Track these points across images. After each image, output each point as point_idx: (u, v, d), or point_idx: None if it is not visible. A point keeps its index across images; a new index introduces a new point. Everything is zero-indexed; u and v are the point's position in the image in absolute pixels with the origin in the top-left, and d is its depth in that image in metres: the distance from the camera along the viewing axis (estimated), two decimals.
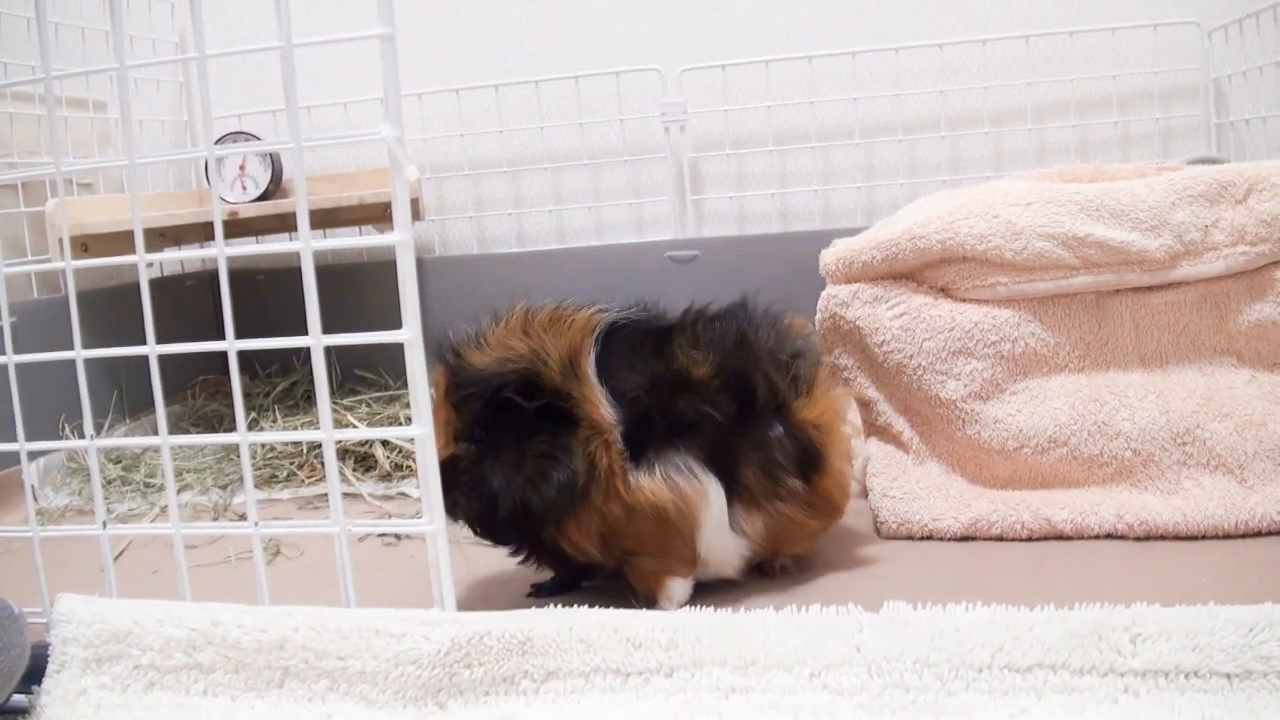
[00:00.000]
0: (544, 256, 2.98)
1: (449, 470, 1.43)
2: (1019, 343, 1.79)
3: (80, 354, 1.38)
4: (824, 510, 1.60)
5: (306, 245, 1.25)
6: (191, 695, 1.30)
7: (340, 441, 2.27)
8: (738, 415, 1.51)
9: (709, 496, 1.48)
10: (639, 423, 1.46)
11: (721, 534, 1.51)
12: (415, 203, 2.93)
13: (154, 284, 2.93)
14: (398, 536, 1.93)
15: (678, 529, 1.47)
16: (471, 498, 1.48)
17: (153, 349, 1.34)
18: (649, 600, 1.50)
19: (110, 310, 2.54)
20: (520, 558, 1.57)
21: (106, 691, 1.31)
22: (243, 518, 2.14)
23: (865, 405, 1.90)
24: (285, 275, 3.05)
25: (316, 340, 1.27)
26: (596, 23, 3.01)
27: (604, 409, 1.45)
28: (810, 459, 1.57)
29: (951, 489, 1.80)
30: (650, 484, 1.44)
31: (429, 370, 1.27)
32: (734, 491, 1.51)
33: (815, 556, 1.69)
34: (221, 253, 1.30)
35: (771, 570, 1.63)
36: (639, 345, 1.51)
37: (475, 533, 1.53)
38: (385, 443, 2.35)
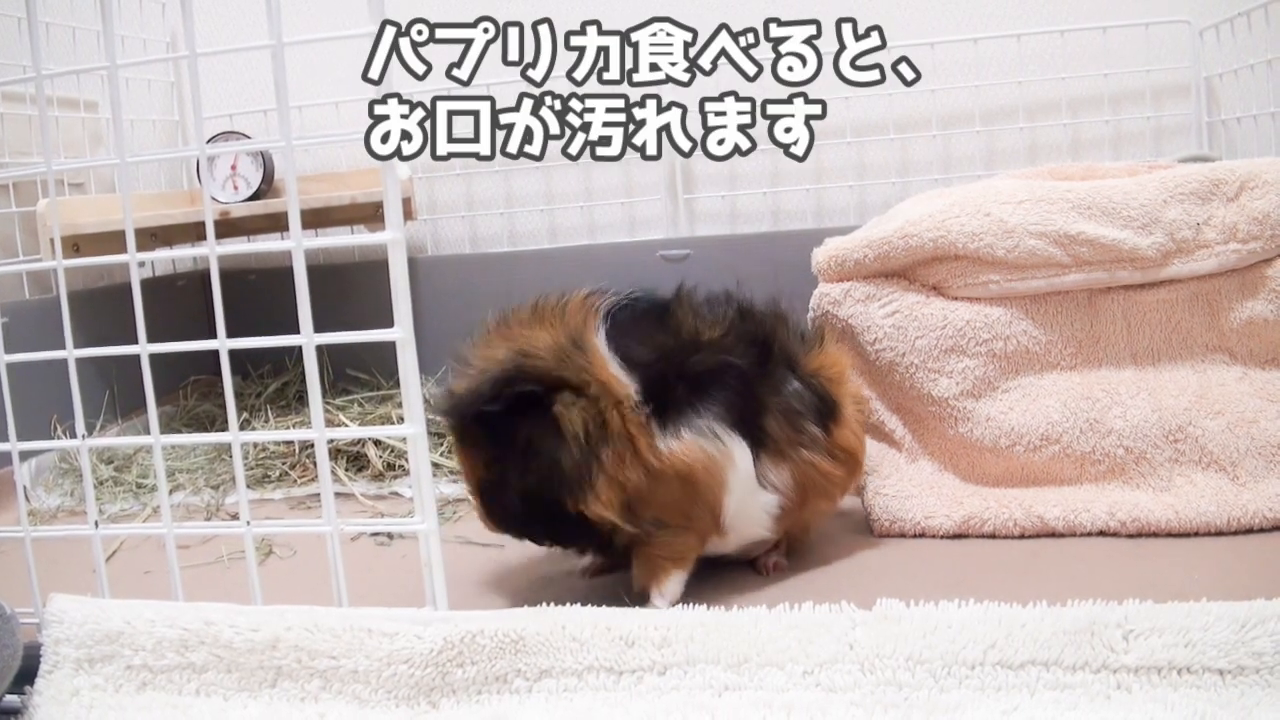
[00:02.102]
0: (536, 256, 2.98)
1: (483, 501, 1.52)
2: (1011, 341, 1.79)
3: (72, 354, 1.38)
4: (844, 461, 1.62)
5: (298, 244, 1.25)
6: (184, 695, 1.30)
7: (332, 441, 2.27)
8: (757, 361, 1.54)
9: (735, 458, 1.49)
10: (657, 390, 1.46)
11: (749, 495, 1.52)
12: (407, 202, 2.92)
13: (145, 284, 2.91)
14: (390, 536, 1.93)
15: (704, 495, 1.48)
16: (493, 511, 1.52)
17: (144, 348, 1.34)
18: (642, 597, 1.50)
19: (102, 310, 2.54)
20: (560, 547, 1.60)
21: (99, 692, 1.31)
22: (235, 517, 2.13)
23: (861, 397, 1.90)
24: (277, 275, 3.04)
25: (308, 339, 1.27)
26: (592, 11, 3.00)
27: (614, 370, 1.45)
28: (826, 407, 1.60)
29: (944, 487, 1.80)
30: (679, 447, 1.45)
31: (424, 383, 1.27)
32: (760, 444, 1.52)
33: (808, 554, 1.69)
34: (213, 252, 1.30)
35: (764, 568, 1.63)
36: (640, 322, 1.53)
37: (516, 536, 1.57)
38: (378, 442, 2.34)
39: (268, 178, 2.69)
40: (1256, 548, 1.60)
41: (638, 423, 1.43)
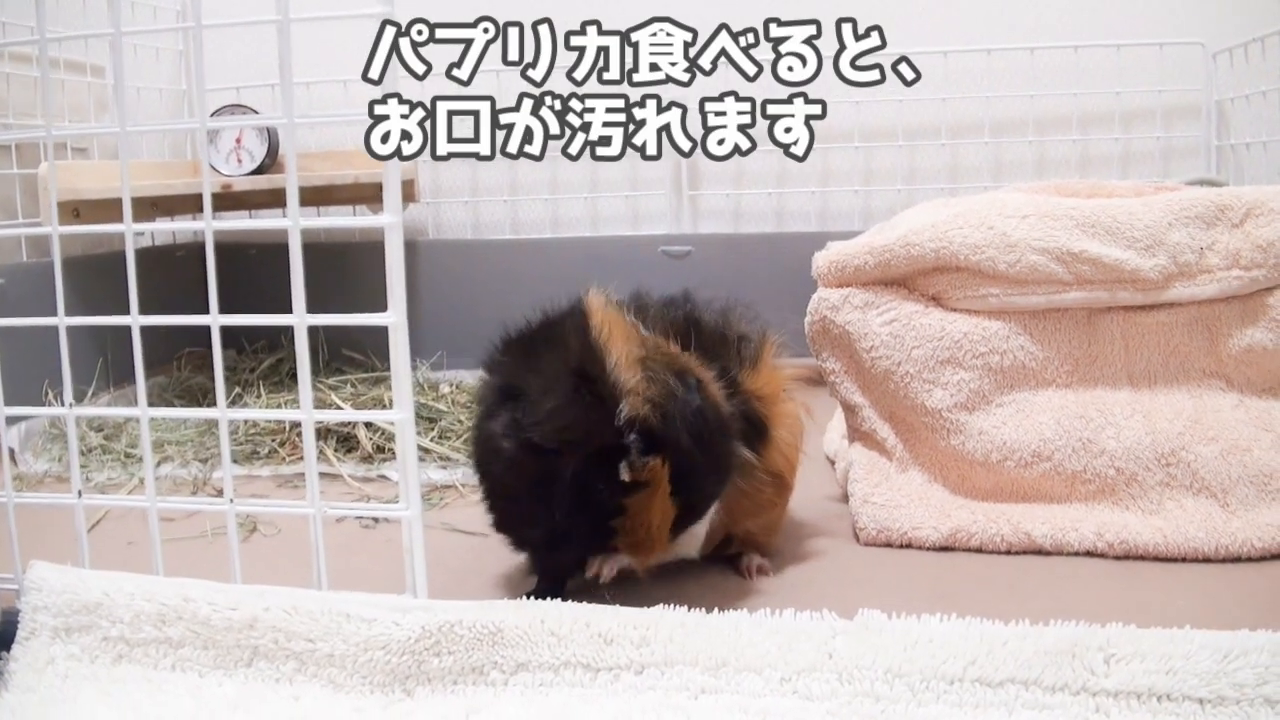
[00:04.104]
0: (537, 245, 2.98)
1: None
2: (1008, 355, 1.78)
3: (63, 321, 1.37)
4: (773, 483, 1.61)
5: (295, 223, 1.24)
6: (160, 670, 1.29)
7: (322, 421, 2.26)
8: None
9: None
10: None
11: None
12: (410, 185, 2.92)
13: (144, 254, 2.92)
14: (375, 519, 1.92)
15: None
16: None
17: (135, 319, 1.33)
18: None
19: (99, 278, 2.52)
20: None
21: (74, 661, 1.31)
22: (221, 493, 2.13)
23: (851, 410, 1.89)
24: (277, 251, 2.99)
25: (300, 319, 1.26)
26: (592, 11, 3.00)
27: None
28: (755, 430, 1.57)
29: (932, 498, 1.79)
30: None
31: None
32: None
33: (790, 559, 1.69)
34: (209, 225, 1.30)
35: (747, 570, 1.62)
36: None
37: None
38: (369, 424, 2.34)
39: (272, 152, 2.69)
40: (1244, 577, 1.60)
41: None
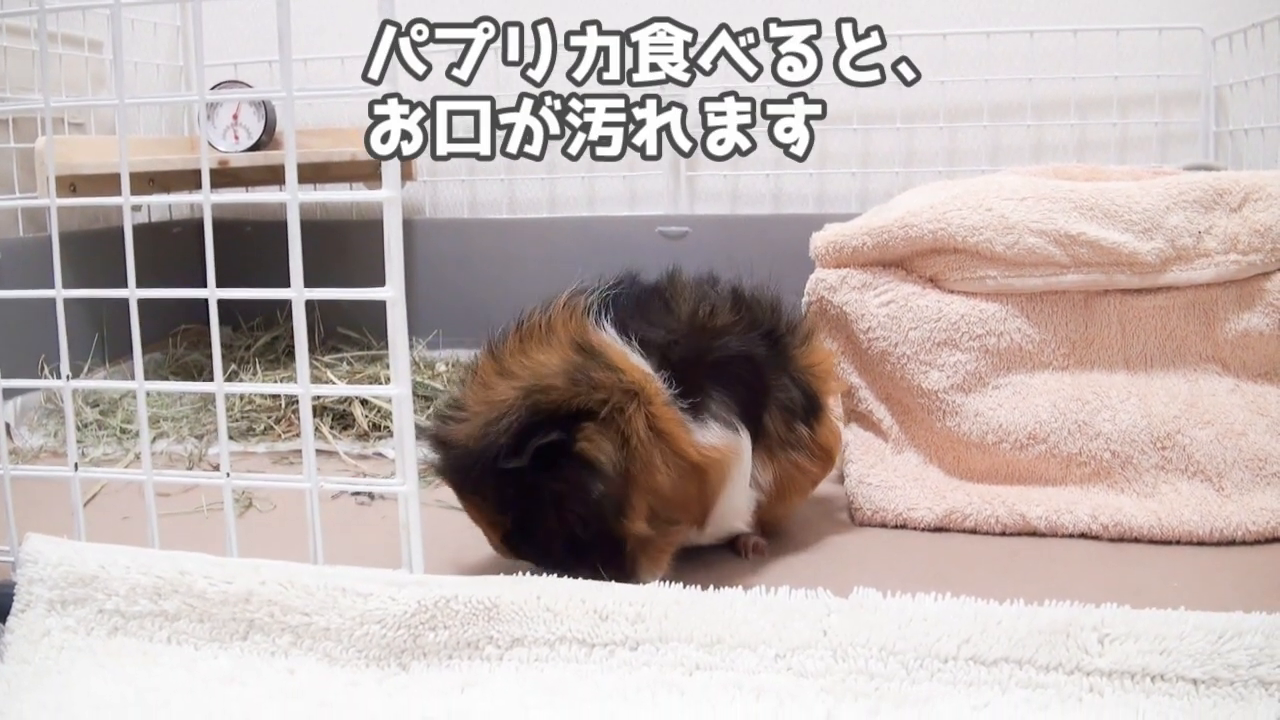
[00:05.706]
0: (534, 224, 2.97)
1: (513, 550, 1.48)
2: (1004, 337, 1.79)
3: (60, 293, 1.37)
4: (821, 459, 1.63)
5: (293, 197, 1.24)
6: (155, 643, 1.29)
7: (319, 398, 2.26)
8: (765, 353, 1.53)
9: (742, 451, 1.48)
10: (678, 376, 1.42)
11: (741, 490, 1.51)
12: (408, 163, 2.91)
13: (140, 230, 2.91)
14: (371, 496, 1.92)
15: (709, 488, 1.46)
16: (527, 556, 1.47)
17: (133, 292, 1.33)
18: (620, 571, 1.45)
19: (96, 252, 2.52)
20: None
21: (70, 634, 1.31)
22: (217, 468, 2.12)
23: (847, 391, 1.89)
24: (273, 228, 3.02)
25: (297, 293, 1.26)
26: (592, 11, 3.00)
27: (636, 361, 1.41)
28: (811, 405, 1.60)
29: (928, 479, 1.80)
30: (714, 440, 1.43)
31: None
32: (757, 441, 1.51)
33: (787, 539, 1.69)
34: (207, 200, 1.29)
35: (744, 549, 1.63)
36: (642, 306, 1.51)
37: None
38: (364, 402, 2.34)
39: (269, 129, 2.67)
40: (1237, 560, 1.60)
41: (674, 419, 1.39)
